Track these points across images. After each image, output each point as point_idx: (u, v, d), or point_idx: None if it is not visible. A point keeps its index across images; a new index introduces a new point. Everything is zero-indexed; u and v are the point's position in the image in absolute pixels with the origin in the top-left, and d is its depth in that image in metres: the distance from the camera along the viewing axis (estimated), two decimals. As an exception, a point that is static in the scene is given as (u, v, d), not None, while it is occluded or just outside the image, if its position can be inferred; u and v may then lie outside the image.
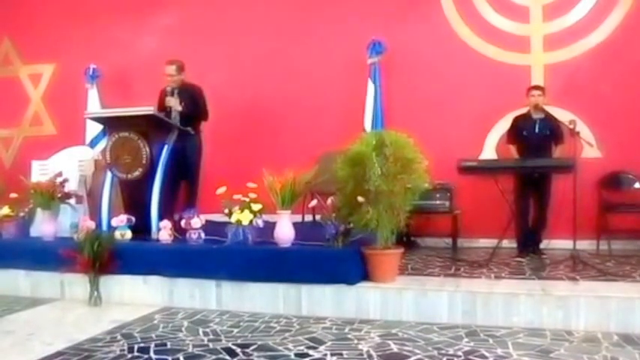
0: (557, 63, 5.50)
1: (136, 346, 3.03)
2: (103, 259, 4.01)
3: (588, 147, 4.75)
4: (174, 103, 4.94)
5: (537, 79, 5.46)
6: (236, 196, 3.98)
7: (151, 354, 2.90)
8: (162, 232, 4.27)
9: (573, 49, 5.47)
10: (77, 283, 4.14)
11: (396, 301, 3.51)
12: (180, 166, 4.77)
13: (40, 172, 5.16)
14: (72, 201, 4.75)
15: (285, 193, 3.84)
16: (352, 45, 5.79)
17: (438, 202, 5.30)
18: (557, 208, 4.86)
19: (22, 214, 4.88)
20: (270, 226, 3.97)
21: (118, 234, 4.28)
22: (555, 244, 5.02)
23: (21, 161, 6.70)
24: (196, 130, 5.09)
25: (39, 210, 4.74)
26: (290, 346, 3.00)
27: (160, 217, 4.39)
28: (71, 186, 4.82)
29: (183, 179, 4.99)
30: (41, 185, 4.61)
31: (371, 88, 5.72)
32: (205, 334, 3.27)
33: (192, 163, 5.04)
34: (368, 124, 5.65)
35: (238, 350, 2.93)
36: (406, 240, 4.99)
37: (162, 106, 4.98)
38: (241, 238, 3.95)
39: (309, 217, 5.04)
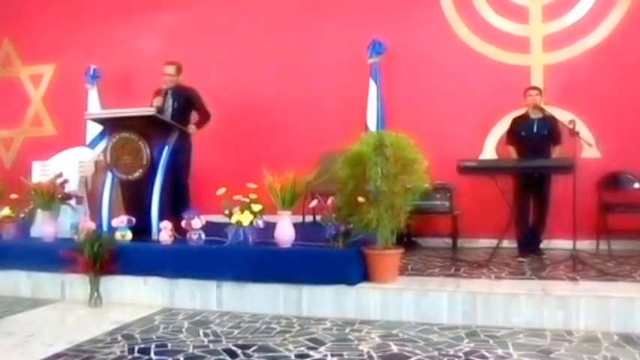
0: (557, 63, 5.51)
1: (136, 347, 3.03)
2: (103, 259, 4.01)
3: (588, 147, 4.76)
4: (158, 102, 4.92)
5: (537, 79, 5.47)
6: (236, 197, 3.98)
7: (152, 355, 2.91)
8: (163, 232, 4.27)
9: (573, 49, 5.47)
10: (77, 284, 4.14)
11: (397, 301, 3.51)
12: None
13: (41, 172, 5.16)
14: (72, 202, 4.75)
15: (285, 193, 3.85)
16: (352, 45, 5.80)
17: (438, 202, 5.31)
18: (557, 208, 4.88)
19: (22, 215, 4.87)
20: (271, 227, 3.98)
21: (118, 235, 4.28)
22: (555, 244, 5.03)
23: (21, 162, 6.71)
24: (186, 134, 5.00)
25: (39, 211, 4.74)
26: (290, 346, 3.00)
27: (161, 218, 4.39)
28: (71, 187, 4.82)
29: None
30: (42, 186, 4.61)
31: (373, 87, 5.72)
32: (206, 335, 3.27)
33: (181, 166, 4.95)
34: (372, 124, 5.65)
35: (239, 351, 2.94)
36: (406, 240, 4.99)
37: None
38: (242, 239, 3.94)
39: (309, 218, 5.05)
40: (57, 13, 7.12)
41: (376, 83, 5.72)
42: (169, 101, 5.03)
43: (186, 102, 5.07)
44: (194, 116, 5.17)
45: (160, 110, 4.91)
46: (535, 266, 4.30)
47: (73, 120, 6.46)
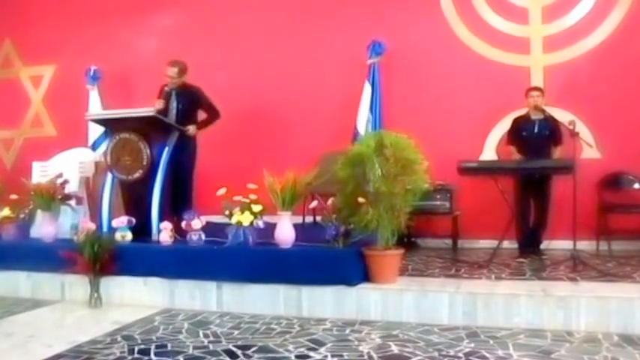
0: (557, 64, 5.51)
1: (136, 348, 3.03)
2: (103, 260, 4.00)
3: (588, 148, 4.76)
4: (159, 105, 4.85)
5: (537, 80, 5.47)
6: (236, 198, 3.98)
7: (152, 356, 2.90)
8: (163, 233, 4.27)
9: (573, 50, 5.47)
10: (77, 284, 4.13)
11: (397, 302, 3.51)
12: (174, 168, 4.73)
13: (41, 173, 5.16)
14: (72, 202, 4.74)
15: (285, 194, 3.84)
16: (353, 46, 5.80)
17: (438, 202, 5.30)
18: (557, 208, 4.88)
19: (22, 215, 4.87)
20: (271, 228, 3.97)
21: (118, 235, 4.28)
22: (555, 244, 5.02)
23: (22, 162, 6.71)
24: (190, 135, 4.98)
25: (39, 211, 4.73)
26: (290, 347, 3.00)
27: (161, 219, 4.39)
28: (72, 187, 4.81)
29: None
30: (42, 187, 4.61)
31: (367, 89, 5.70)
32: (206, 335, 3.27)
33: (185, 167, 4.95)
34: (361, 126, 5.60)
35: (239, 352, 2.93)
36: (406, 241, 4.98)
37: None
38: (242, 240, 3.94)
39: (309, 218, 5.05)
40: (57, 14, 7.12)
41: (371, 85, 5.70)
42: (174, 103, 4.98)
43: (190, 102, 5.02)
44: (202, 115, 5.14)
45: (164, 112, 4.88)
46: (535, 267, 4.30)
47: (74, 121, 6.46)
